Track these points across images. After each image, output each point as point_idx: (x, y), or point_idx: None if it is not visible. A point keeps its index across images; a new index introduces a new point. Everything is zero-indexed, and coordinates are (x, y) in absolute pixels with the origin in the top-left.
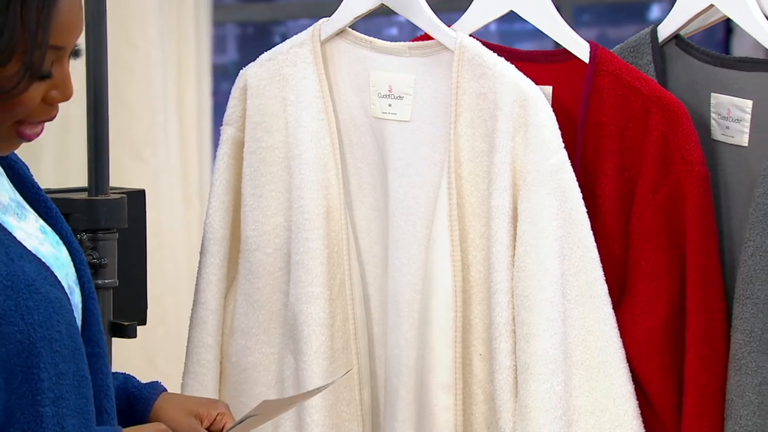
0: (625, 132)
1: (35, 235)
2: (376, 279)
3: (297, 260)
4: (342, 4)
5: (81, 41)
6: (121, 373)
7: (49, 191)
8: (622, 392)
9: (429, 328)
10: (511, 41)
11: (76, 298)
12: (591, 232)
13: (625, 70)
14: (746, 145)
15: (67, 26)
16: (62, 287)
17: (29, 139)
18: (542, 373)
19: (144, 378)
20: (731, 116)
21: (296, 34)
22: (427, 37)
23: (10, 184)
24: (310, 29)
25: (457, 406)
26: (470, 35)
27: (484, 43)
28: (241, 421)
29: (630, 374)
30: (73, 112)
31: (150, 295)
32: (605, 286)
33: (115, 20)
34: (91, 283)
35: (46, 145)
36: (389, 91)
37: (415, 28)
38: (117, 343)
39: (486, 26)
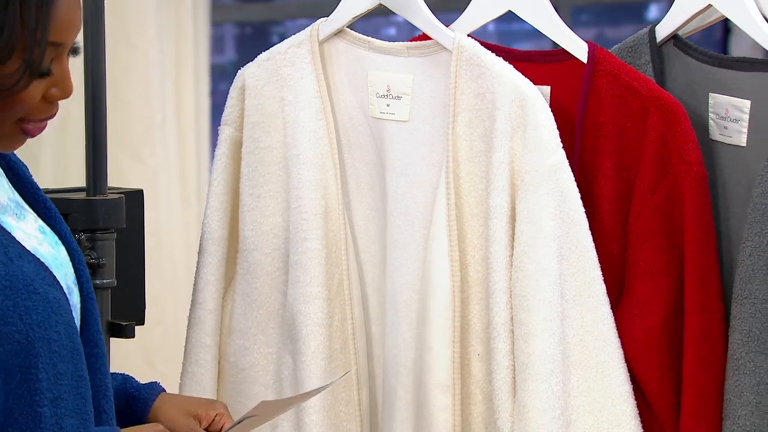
0: (624, 132)
1: (34, 236)
2: (374, 279)
3: (295, 260)
4: (340, 4)
5: (79, 39)
6: (120, 374)
7: (48, 191)
8: (620, 392)
9: (427, 328)
10: (510, 41)
11: (74, 299)
12: (589, 232)
13: (624, 70)
14: (744, 145)
15: (66, 23)
16: (61, 287)
17: (33, 134)
18: (540, 373)
19: (142, 378)
20: (729, 116)
21: (294, 34)
22: (425, 37)
23: (9, 185)
24: (308, 29)
25: (456, 406)
26: (468, 35)
27: (483, 43)
28: (239, 422)
29: (628, 374)
30: (72, 112)
31: (148, 295)
32: (603, 286)
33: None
34: (90, 284)
35: (45, 144)
36: (387, 91)
37: (414, 28)
38: (115, 342)
39: (484, 26)
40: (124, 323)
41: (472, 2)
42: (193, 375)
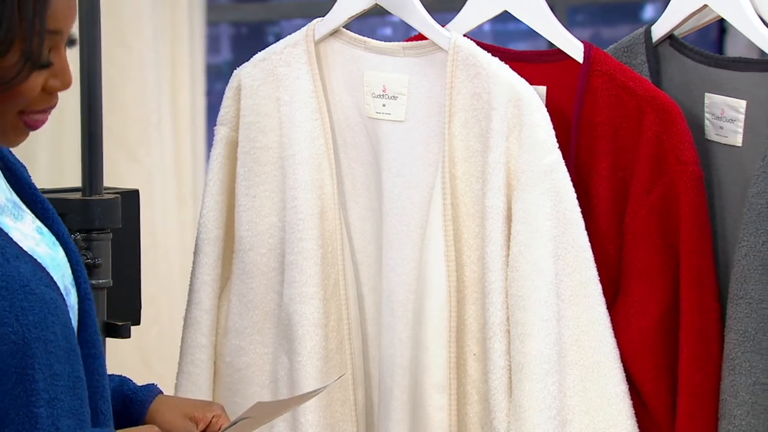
0: (619, 132)
1: (32, 236)
2: (370, 279)
3: (291, 260)
4: (336, 4)
5: (75, 32)
6: (117, 376)
7: (44, 191)
8: (616, 392)
9: (423, 328)
10: (505, 41)
11: (72, 299)
12: (585, 232)
13: (619, 70)
14: (740, 145)
15: (63, 10)
16: (58, 288)
17: (35, 127)
18: (536, 372)
19: (137, 378)
20: (725, 116)
21: (290, 34)
22: (421, 37)
23: (7, 185)
24: (303, 29)
25: (452, 406)
26: (464, 35)
27: (478, 43)
28: (234, 423)
29: (624, 374)
30: (68, 112)
31: (144, 295)
32: (599, 286)
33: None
34: (88, 284)
35: (41, 144)
36: (383, 91)
37: (409, 28)
38: (111, 343)
39: (480, 26)
40: (120, 323)
41: (467, 2)
42: (189, 375)
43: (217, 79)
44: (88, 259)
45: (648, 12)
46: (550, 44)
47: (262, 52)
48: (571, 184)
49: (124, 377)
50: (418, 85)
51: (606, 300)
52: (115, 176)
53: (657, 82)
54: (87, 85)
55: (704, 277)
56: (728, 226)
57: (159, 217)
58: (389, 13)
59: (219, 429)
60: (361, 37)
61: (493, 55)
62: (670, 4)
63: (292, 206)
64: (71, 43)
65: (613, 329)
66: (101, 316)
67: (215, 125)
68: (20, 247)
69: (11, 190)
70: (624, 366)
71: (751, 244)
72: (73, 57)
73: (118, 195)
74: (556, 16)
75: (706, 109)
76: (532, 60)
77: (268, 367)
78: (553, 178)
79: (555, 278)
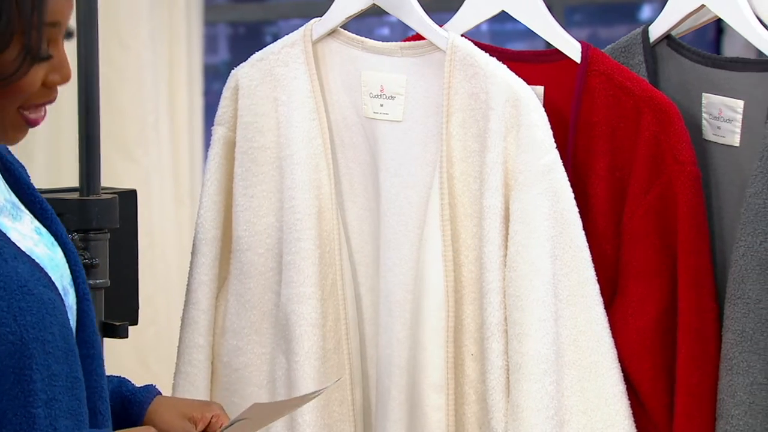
0: (617, 132)
1: (30, 236)
2: (367, 279)
3: (288, 260)
4: (333, 4)
5: (72, 25)
6: (116, 377)
7: (41, 191)
8: (613, 392)
9: (421, 328)
10: (503, 41)
11: (70, 300)
12: (583, 232)
13: (617, 70)
14: (737, 145)
15: (61, 2)
16: (56, 288)
17: (34, 123)
18: (534, 372)
19: (135, 378)
20: (722, 116)
21: (288, 34)
22: (418, 37)
23: (6, 185)
24: (301, 29)
25: (449, 406)
26: (462, 35)
27: (476, 43)
28: (231, 424)
29: (621, 374)
30: (65, 112)
31: (141, 295)
32: (597, 286)
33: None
34: (86, 285)
35: (38, 145)
36: (381, 91)
37: (407, 28)
38: (108, 343)
39: (477, 26)
40: (118, 323)
41: (465, 2)
42: (187, 375)
43: (215, 79)
44: (85, 259)
45: (645, 12)
46: (548, 44)
47: (260, 52)
48: (568, 184)
49: (123, 378)
50: (415, 85)
51: (604, 300)
52: (112, 176)
53: (654, 82)
54: (84, 85)
55: (702, 277)
56: (726, 226)
57: (156, 217)
58: (387, 13)
59: (219, 429)
60: (358, 37)
61: (490, 55)
62: (667, 4)
63: (290, 206)
64: (69, 35)
65: (611, 329)
66: (99, 316)
67: (213, 125)
68: (18, 248)
69: (10, 190)
70: (621, 366)
71: (749, 244)
72: (70, 57)
73: (116, 195)
74: (553, 16)
75: (703, 109)
76: (529, 60)
77: (266, 367)
78: (550, 178)
79: (552, 278)
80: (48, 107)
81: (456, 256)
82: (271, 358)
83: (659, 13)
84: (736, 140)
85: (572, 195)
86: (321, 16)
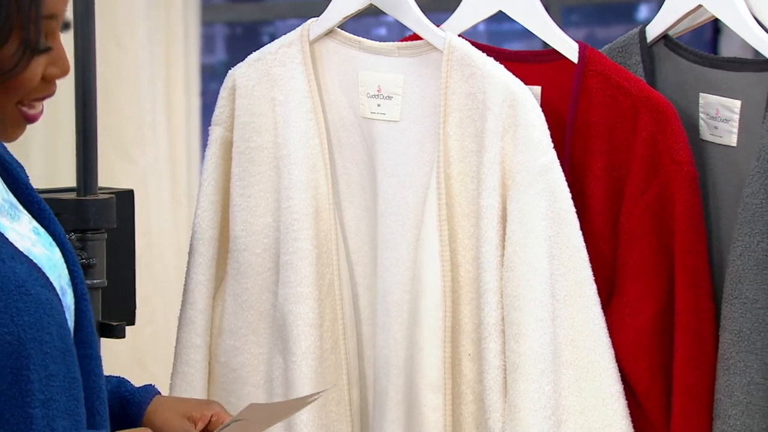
0: (614, 132)
1: (28, 237)
2: (365, 279)
3: (286, 260)
4: (331, 4)
5: (69, 14)
6: (115, 377)
7: (38, 191)
8: (611, 392)
9: (418, 328)
10: (500, 41)
11: (68, 300)
12: (580, 232)
13: (614, 70)
14: (735, 145)
15: None
16: (53, 289)
17: (33, 119)
18: (531, 372)
19: (132, 378)
20: (720, 116)
21: (285, 34)
22: (415, 37)
23: (4, 186)
24: (298, 29)
25: (446, 406)
26: (459, 35)
27: (473, 43)
28: (227, 425)
29: (619, 374)
30: (62, 112)
31: (138, 295)
32: (594, 286)
33: (103, 21)
34: (84, 285)
35: (35, 144)
36: (378, 91)
37: (404, 28)
38: (105, 343)
39: (475, 26)
40: (115, 323)
41: (462, 2)
42: (184, 375)
43: (212, 79)
44: (82, 259)
45: (642, 12)
46: (545, 44)
47: (257, 52)
48: (566, 184)
49: (122, 378)
50: (413, 85)
51: (601, 300)
52: (109, 176)
53: (652, 82)
54: (81, 84)
55: (699, 277)
56: (723, 226)
57: (154, 217)
58: (384, 13)
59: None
60: (355, 37)
61: (488, 55)
62: (664, 4)
63: (287, 206)
64: (65, 27)
65: (608, 329)
66: (96, 316)
67: (210, 125)
68: (16, 248)
69: (8, 190)
70: (619, 366)
71: (746, 244)
72: (68, 57)
73: (113, 195)
74: (550, 16)
75: (700, 109)
76: (526, 60)
77: (263, 368)
78: (548, 178)
79: (550, 278)
80: (45, 107)
81: (453, 256)
82: (268, 358)
83: (656, 13)
84: (733, 140)
85: (569, 195)
86: (318, 16)
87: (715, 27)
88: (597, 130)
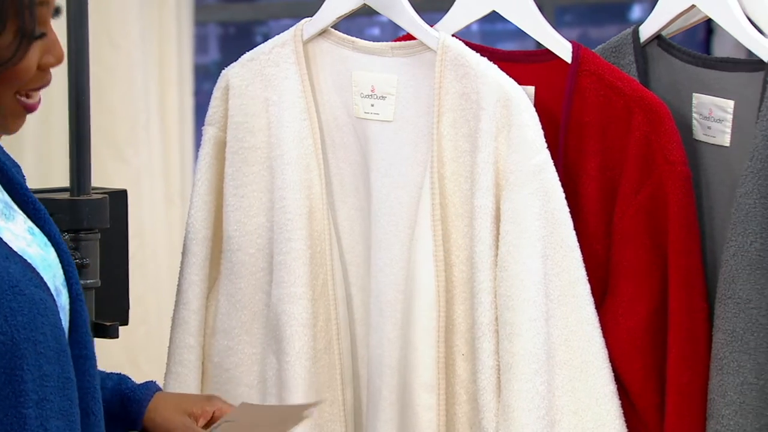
0: (608, 132)
1: (23, 237)
2: (358, 279)
3: (279, 260)
4: (324, 4)
5: (61, 2)
6: (116, 374)
7: (31, 191)
8: (604, 392)
9: (412, 328)
10: (493, 41)
11: (63, 300)
12: (574, 232)
13: (608, 70)
14: (728, 145)
15: None
16: (48, 289)
17: (32, 109)
18: (525, 372)
19: None
20: (713, 116)
21: (278, 34)
22: (409, 37)
23: None
24: (292, 29)
25: (440, 406)
26: (453, 35)
27: (467, 44)
28: (217, 426)
29: (612, 374)
30: (55, 112)
31: (132, 295)
32: (588, 286)
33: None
34: (79, 285)
35: (28, 144)
36: (372, 91)
37: (398, 28)
38: (98, 343)
39: (468, 26)
40: (108, 323)
41: (456, 2)
42: (177, 375)
43: (205, 79)
44: (76, 259)
45: (635, 12)
46: (539, 44)
47: (250, 52)
48: (559, 184)
49: (123, 375)
50: (406, 85)
51: (594, 300)
52: (103, 176)
53: (645, 82)
54: (75, 84)
55: (692, 277)
56: (716, 226)
57: (147, 217)
58: (377, 13)
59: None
60: (349, 37)
61: (481, 55)
62: (657, 4)
63: (281, 206)
64: (57, 12)
65: (602, 329)
66: (89, 316)
67: (203, 125)
68: (10, 248)
69: (3, 190)
70: (612, 366)
71: (739, 244)
72: (59, 16)
73: (106, 195)
74: (544, 16)
75: (694, 109)
76: (520, 60)
77: (257, 368)
78: (541, 178)
79: (543, 278)
80: (39, 106)
81: (447, 256)
82: (261, 359)
83: (649, 14)
84: (726, 140)
85: (563, 195)
86: (311, 16)
87: (708, 27)
88: (590, 130)
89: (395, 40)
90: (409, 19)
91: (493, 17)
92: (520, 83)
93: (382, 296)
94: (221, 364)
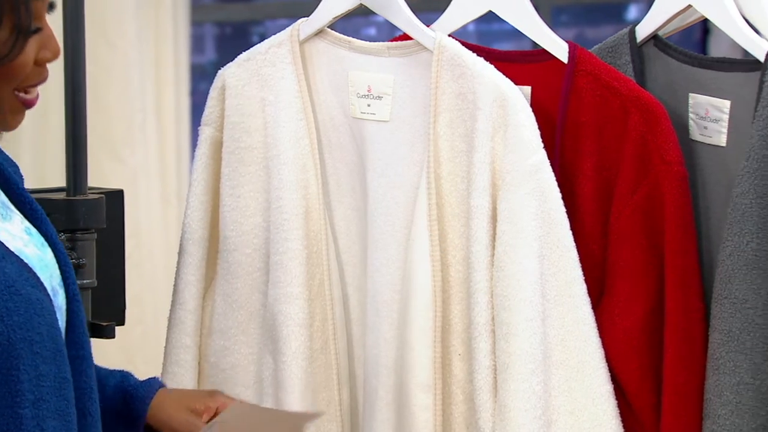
0: (604, 132)
1: (20, 237)
2: (355, 279)
3: (276, 260)
4: (321, 4)
5: None
6: (119, 371)
7: (28, 191)
8: (601, 392)
9: (408, 328)
10: (490, 41)
11: (59, 300)
12: (570, 232)
13: (604, 70)
14: (724, 145)
15: None
16: (44, 289)
17: (31, 104)
18: (521, 372)
19: None
20: (709, 116)
21: (275, 34)
22: (406, 37)
23: None
24: (288, 29)
25: (437, 405)
26: (449, 35)
27: (463, 44)
28: (211, 425)
29: (609, 374)
30: (51, 111)
31: (128, 295)
32: (584, 286)
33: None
34: (76, 285)
35: (24, 144)
36: (368, 91)
37: (394, 28)
38: (95, 343)
39: (465, 26)
40: (104, 324)
41: (452, 2)
42: (174, 375)
43: (202, 79)
44: (72, 259)
45: (632, 12)
46: (535, 44)
47: (247, 52)
48: (556, 184)
49: (126, 372)
50: (403, 85)
51: (591, 300)
52: (99, 176)
53: (641, 82)
54: (71, 84)
55: (689, 277)
56: (713, 226)
57: (143, 217)
58: (374, 13)
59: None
60: (345, 37)
61: (478, 55)
62: (654, 4)
63: (277, 206)
64: (51, 7)
65: (598, 329)
66: (85, 316)
67: (200, 125)
68: (6, 248)
69: (0, 190)
70: (609, 366)
71: (736, 244)
72: (54, 10)
73: (103, 195)
74: (540, 16)
75: (690, 109)
76: (516, 60)
77: (253, 368)
78: (538, 178)
79: (540, 278)
80: (35, 106)
81: (443, 256)
82: (258, 359)
83: (646, 14)
84: (722, 140)
85: (559, 195)
86: (308, 16)
87: (705, 27)
88: (587, 130)
89: (392, 40)
90: (406, 19)
91: (490, 17)
92: (516, 83)
93: (378, 296)
94: (218, 364)
